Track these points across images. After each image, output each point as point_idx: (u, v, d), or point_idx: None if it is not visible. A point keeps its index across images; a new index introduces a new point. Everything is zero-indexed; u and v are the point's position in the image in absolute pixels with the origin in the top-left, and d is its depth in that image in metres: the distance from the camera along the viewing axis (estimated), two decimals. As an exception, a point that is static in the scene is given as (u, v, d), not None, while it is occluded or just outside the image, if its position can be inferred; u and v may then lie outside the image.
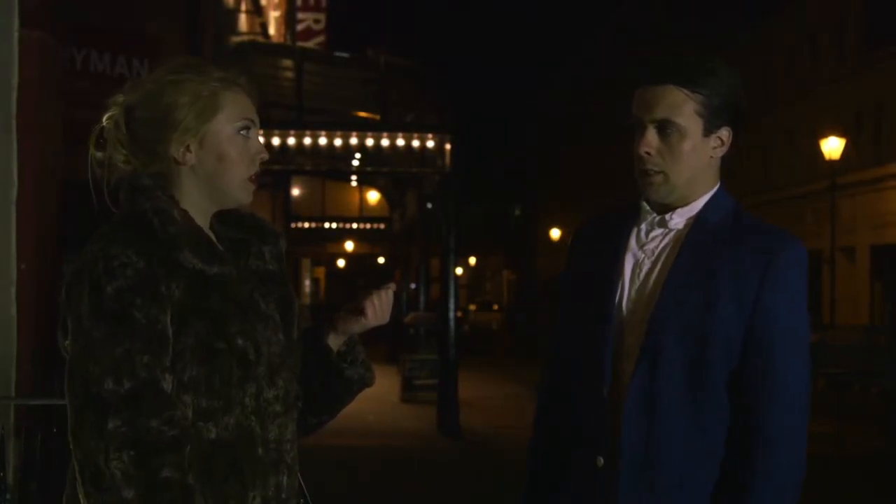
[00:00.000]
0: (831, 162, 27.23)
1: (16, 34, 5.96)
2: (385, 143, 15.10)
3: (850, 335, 23.19)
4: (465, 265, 65.16)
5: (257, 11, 19.19)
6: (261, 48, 19.02)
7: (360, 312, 2.47)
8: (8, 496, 5.27)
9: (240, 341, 2.23)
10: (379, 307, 2.47)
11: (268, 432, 2.29)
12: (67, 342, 2.22)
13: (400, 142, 15.09)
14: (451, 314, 15.12)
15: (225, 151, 2.32)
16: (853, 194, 30.24)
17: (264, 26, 20.46)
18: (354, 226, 37.17)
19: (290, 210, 30.66)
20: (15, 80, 5.96)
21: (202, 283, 2.23)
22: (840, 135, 27.67)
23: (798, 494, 2.48)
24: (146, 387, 2.13)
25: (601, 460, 2.52)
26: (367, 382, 2.55)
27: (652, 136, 2.52)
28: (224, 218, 2.41)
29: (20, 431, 5.64)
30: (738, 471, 2.44)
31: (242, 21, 18.33)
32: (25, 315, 5.99)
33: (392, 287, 2.51)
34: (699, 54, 2.58)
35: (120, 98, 2.34)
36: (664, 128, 2.51)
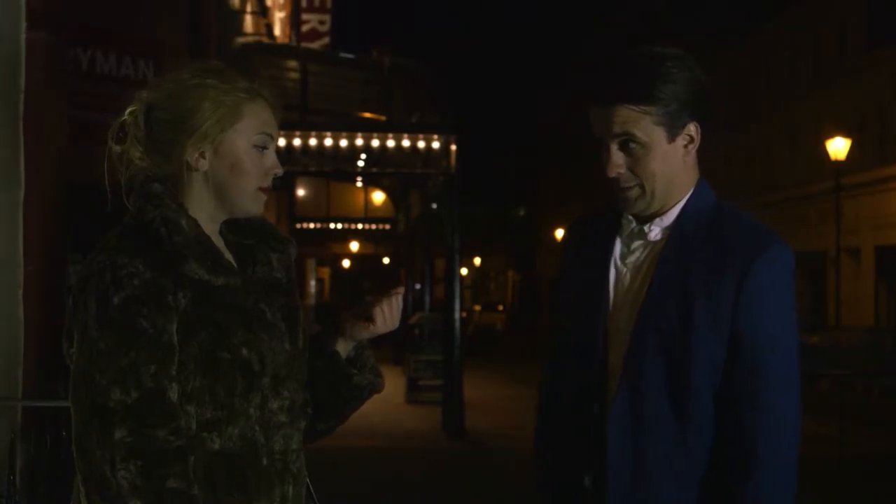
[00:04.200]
0: (837, 162, 27.15)
1: (22, 36, 5.98)
2: (390, 143, 15.05)
3: (853, 336, 23.18)
4: (470, 266, 65.11)
5: (262, 13, 19.21)
6: (266, 49, 19.04)
7: (370, 319, 2.42)
8: (17, 498, 5.28)
9: (244, 352, 2.21)
10: (388, 313, 2.41)
11: (273, 443, 2.26)
12: (72, 350, 2.21)
13: (405, 142, 15.05)
14: (456, 315, 15.09)
15: (239, 162, 2.29)
16: (857, 195, 30.16)
17: (269, 27, 20.48)
18: (359, 226, 37.02)
19: (294, 211, 30.60)
20: (22, 82, 5.97)
21: (207, 294, 2.21)
22: (844, 135, 27.61)
23: None
24: (153, 397, 2.12)
25: (587, 480, 2.46)
26: (376, 388, 2.49)
27: (616, 155, 2.41)
28: (233, 223, 2.38)
29: (28, 433, 5.65)
30: (728, 495, 2.35)
31: (248, 22, 18.35)
32: (32, 317, 5.99)
33: (401, 291, 2.44)
34: (646, 58, 2.42)
35: (143, 94, 2.31)
36: (626, 143, 2.40)
